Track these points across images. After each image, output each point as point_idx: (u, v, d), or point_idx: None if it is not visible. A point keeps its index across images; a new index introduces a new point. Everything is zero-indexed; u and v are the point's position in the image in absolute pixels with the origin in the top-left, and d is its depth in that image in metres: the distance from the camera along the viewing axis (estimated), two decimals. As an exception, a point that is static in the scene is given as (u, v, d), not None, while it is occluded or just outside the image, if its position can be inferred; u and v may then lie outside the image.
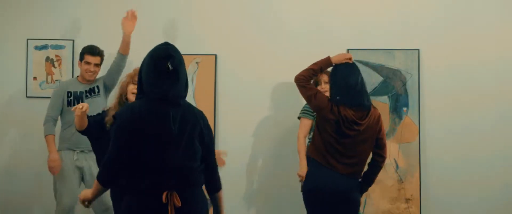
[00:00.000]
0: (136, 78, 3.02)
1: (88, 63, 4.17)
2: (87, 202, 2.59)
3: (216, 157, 2.72)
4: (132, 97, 3.34)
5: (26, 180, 4.64)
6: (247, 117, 4.54)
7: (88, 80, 4.23)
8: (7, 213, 4.64)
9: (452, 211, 4.47)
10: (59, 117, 4.24)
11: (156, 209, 2.42)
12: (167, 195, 2.42)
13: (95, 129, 3.40)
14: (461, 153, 4.46)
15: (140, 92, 2.55)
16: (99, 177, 2.50)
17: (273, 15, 4.59)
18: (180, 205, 2.42)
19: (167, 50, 2.51)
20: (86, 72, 4.18)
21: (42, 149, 4.63)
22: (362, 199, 4.42)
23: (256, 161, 4.55)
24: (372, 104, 3.43)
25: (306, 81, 3.48)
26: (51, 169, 4.07)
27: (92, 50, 4.18)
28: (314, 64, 3.53)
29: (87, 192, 2.59)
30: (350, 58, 3.45)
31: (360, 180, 3.43)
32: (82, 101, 4.07)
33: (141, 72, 2.56)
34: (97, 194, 2.57)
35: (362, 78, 3.41)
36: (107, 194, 3.41)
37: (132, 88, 3.35)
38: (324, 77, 3.86)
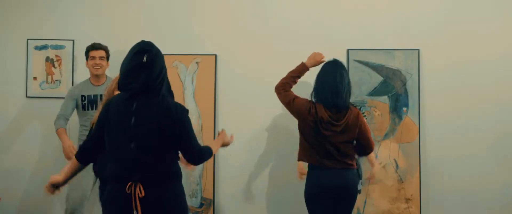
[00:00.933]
0: None
1: (93, 57, 4.20)
2: (54, 188, 2.75)
3: (222, 139, 2.93)
4: None
5: (26, 180, 4.64)
6: (247, 116, 4.54)
7: (99, 80, 4.21)
8: (6, 213, 4.65)
9: (452, 211, 4.47)
10: (78, 119, 4.27)
11: (123, 198, 2.52)
12: (131, 185, 2.51)
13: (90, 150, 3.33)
14: (461, 152, 4.46)
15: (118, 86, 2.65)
16: (76, 153, 2.75)
17: (273, 15, 4.59)
18: (142, 195, 2.49)
19: (142, 45, 2.64)
20: (93, 67, 4.20)
21: (42, 149, 4.64)
22: (362, 199, 4.43)
23: (256, 161, 4.55)
24: (350, 104, 3.48)
25: (284, 89, 3.61)
26: (68, 155, 4.04)
27: (93, 46, 4.23)
28: (291, 72, 3.69)
29: (57, 176, 2.76)
30: (322, 60, 3.63)
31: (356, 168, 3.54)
32: (97, 105, 4.13)
33: (120, 68, 2.68)
34: (69, 175, 2.75)
35: (343, 78, 3.43)
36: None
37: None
38: None
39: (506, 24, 4.51)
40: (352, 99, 4.47)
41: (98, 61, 4.19)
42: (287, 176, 4.50)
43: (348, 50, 4.51)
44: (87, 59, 4.25)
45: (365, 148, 3.52)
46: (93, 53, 4.20)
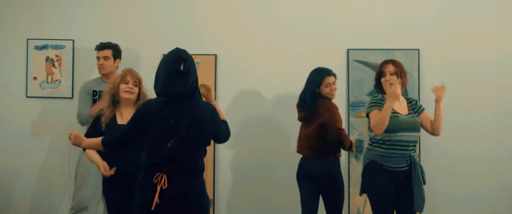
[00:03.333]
0: (127, 78, 3.45)
1: (98, 58, 4.18)
2: (73, 139, 3.13)
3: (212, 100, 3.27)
4: (124, 95, 3.45)
5: (26, 180, 4.64)
6: (247, 116, 4.55)
7: (109, 78, 4.16)
8: None
9: (452, 210, 4.48)
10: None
11: (150, 186, 2.84)
12: (158, 176, 2.84)
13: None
14: (461, 152, 4.47)
15: (155, 91, 2.96)
16: (104, 139, 3.09)
17: (273, 15, 4.60)
18: (165, 187, 2.82)
19: (179, 53, 2.95)
20: (98, 68, 4.18)
21: (43, 149, 4.64)
22: (362, 199, 4.43)
23: (256, 160, 4.55)
24: (315, 108, 3.74)
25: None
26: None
27: (98, 45, 4.20)
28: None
29: (82, 138, 3.16)
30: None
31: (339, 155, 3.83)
32: None
33: (156, 73, 2.97)
34: (89, 146, 3.19)
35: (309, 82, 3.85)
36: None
37: (124, 87, 3.45)
38: (390, 68, 3.60)
39: (505, 24, 4.51)
40: (352, 99, 4.50)
41: (101, 61, 4.16)
42: (287, 176, 4.51)
43: (348, 50, 4.51)
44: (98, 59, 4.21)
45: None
46: (98, 53, 4.18)
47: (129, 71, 3.51)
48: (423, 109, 3.70)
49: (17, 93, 4.65)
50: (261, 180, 4.55)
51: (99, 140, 3.12)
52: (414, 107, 3.68)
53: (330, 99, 3.81)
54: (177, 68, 2.87)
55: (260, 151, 4.53)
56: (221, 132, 3.05)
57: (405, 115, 3.58)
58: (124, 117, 3.43)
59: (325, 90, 3.81)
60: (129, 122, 3.01)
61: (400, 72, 3.59)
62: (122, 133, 3.03)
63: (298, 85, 4.56)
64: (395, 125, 3.49)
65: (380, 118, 3.46)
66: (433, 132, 3.69)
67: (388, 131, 3.48)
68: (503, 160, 4.47)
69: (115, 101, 3.48)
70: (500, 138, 4.47)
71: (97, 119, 3.51)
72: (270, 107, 4.54)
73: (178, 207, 2.85)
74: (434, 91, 3.72)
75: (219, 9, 4.63)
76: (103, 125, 3.41)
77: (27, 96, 4.65)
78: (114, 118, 3.44)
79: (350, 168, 4.50)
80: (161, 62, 2.98)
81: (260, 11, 4.61)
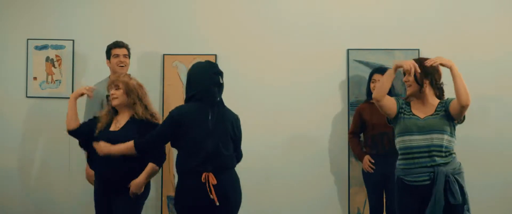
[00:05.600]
0: (117, 83, 3.45)
1: (117, 55, 4.09)
2: (103, 149, 3.24)
3: None
4: (113, 101, 3.46)
5: (26, 180, 4.64)
6: (247, 116, 4.52)
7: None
8: None
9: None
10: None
11: (198, 187, 3.03)
12: (205, 176, 3.03)
13: (84, 133, 3.55)
14: (461, 152, 4.43)
15: (189, 96, 3.18)
16: (137, 141, 3.20)
17: (273, 15, 4.59)
18: (215, 183, 3.03)
19: (217, 67, 3.27)
20: (118, 65, 4.08)
21: (43, 149, 4.64)
22: (362, 199, 4.43)
23: (256, 161, 4.54)
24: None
25: None
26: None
27: (117, 43, 4.14)
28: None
29: (109, 146, 3.25)
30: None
31: None
32: None
33: (192, 81, 3.19)
34: (119, 152, 3.24)
35: None
36: None
37: (114, 93, 3.45)
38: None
39: (505, 23, 4.51)
40: (352, 99, 4.50)
41: (122, 58, 4.09)
42: (287, 176, 4.51)
43: (348, 50, 4.51)
44: (109, 57, 4.13)
45: None
46: (116, 51, 4.10)
47: (117, 77, 3.54)
48: (452, 99, 3.12)
49: (17, 93, 4.65)
50: (261, 180, 4.55)
51: (130, 144, 3.21)
52: (443, 105, 3.13)
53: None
54: (218, 81, 3.20)
55: (259, 150, 4.53)
56: (239, 147, 3.32)
57: (425, 116, 3.11)
58: (120, 123, 3.44)
59: (371, 86, 4.09)
60: (164, 124, 3.17)
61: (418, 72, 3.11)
62: (157, 134, 3.17)
63: (298, 85, 4.57)
64: (405, 127, 3.10)
65: (380, 84, 3.15)
66: (461, 102, 3.00)
67: (399, 134, 3.13)
68: (504, 160, 4.46)
69: (110, 105, 3.50)
70: (502, 137, 4.47)
71: (91, 124, 3.52)
72: (270, 107, 4.54)
73: (225, 201, 3.07)
74: (433, 63, 3.13)
75: (219, 9, 4.63)
76: (97, 131, 3.42)
77: (27, 96, 4.64)
78: (109, 125, 3.45)
79: (350, 168, 4.49)
80: (199, 72, 3.21)
81: (260, 11, 4.61)
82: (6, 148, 4.64)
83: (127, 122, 3.42)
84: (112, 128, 3.42)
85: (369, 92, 4.17)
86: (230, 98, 4.55)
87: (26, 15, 4.67)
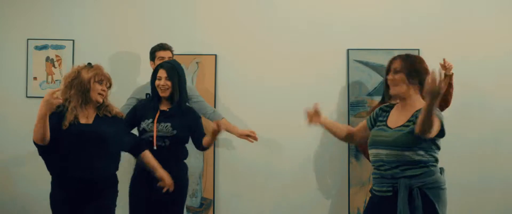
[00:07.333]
0: (101, 78, 3.20)
1: (162, 58, 4.01)
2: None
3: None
4: (97, 98, 3.21)
5: (26, 181, 4.64)
6: (247, 117, 4.54)
7: None
8: None
9: (452, 209, 4.46)
10: None
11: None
12: None
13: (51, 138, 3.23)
14: (461, 152, 4.46)
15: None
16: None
17: (273, 15, 4.60)
18: None
19: None
20: None
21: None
22: (362, 199, 4.43)
23: (256, 161, 4.55)
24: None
25: None
26: None
27: (162, 46, 4.07)
28: None
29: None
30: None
31: None
32: None
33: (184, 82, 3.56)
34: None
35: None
36: None
37: (98, 88, 3.19)
38: (395, 64, 2.94)
39: (506, 23, 4.51)
40: (352, 99, 4.50)
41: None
42: (287, 176, 4.51)
43: (348, 50, 4.51)
44: (153, 59, 4.08)
45: None
46: (161, 53, 4.03)
47: (100, 69, 3.24)
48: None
49: (17, 93, 4.65)
50: (261, 180, 4.55)
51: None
52: (417, 115, 2.70)
53: None
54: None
55: (259, 150, 4.53)
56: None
57: (396, 127, 2.79)
58: (89, 116, 3.21)
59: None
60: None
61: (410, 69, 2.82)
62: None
63: (298, 85, 4.56)
64: (372, 141, 2.86)
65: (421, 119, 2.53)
66: (415, 130, 2.63)
67: (369, 146, 2.88)
68: (505, 160, 4.46)
69: (87, 100, 3.20)
70: (502, 137, 4.47)
71: (58, 116, 3.22)
72: (270, 107, 4.54)
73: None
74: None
75: (219, 9, 4.63)
76: (67, 124, 3.17)
77: (27, 96, 4.65)
78: (77, 117, 3.18)
79: (350, 168, 4.49)
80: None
81: (260, 11, 4.61)
82: (6, 148, 4.65)
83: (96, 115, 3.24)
84: (83, 121, 3.20)
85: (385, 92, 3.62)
86: (230, 98, 4.59)
87: (26, 15, 4.67)
